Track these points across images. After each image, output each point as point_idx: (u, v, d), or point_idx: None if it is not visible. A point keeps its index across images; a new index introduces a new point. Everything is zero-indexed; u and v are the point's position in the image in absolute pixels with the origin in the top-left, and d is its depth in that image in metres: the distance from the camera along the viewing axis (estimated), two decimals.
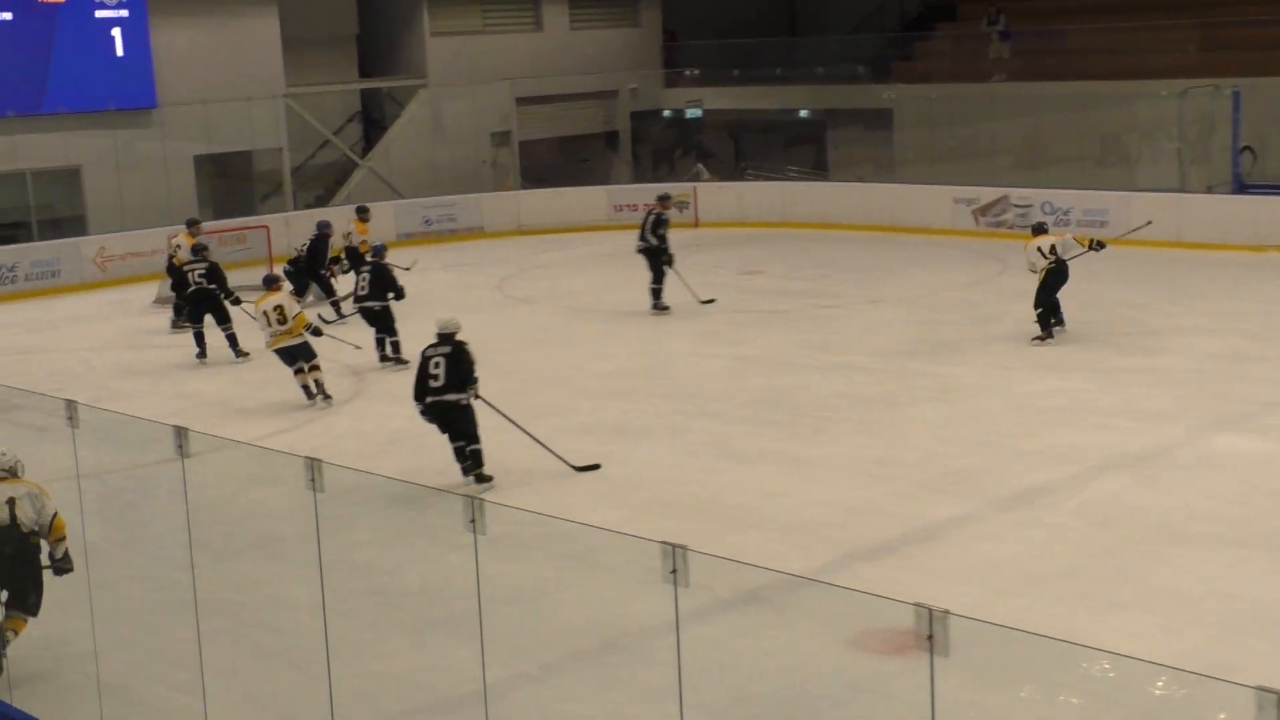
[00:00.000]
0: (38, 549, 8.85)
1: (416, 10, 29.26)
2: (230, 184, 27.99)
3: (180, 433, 7.64)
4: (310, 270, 20.13)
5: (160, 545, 10.46)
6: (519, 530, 8.93)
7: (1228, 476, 11.66)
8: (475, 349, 15.78)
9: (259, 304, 15.45)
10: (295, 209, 26.98)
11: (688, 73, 33.02)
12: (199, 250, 18.25)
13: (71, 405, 8.20)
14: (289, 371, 16.72)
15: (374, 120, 30.34)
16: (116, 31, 25.05)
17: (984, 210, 24.86)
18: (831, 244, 24.72)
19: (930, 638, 4.94)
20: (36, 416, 11.23)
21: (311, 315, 17.19)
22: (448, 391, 12.24)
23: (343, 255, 20.41)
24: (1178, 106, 24.66)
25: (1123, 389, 14.43)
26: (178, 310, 19.22)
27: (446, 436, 12.37)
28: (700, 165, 30.47)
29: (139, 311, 21.21)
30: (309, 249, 20.11)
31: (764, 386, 15.27)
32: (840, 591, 7.31)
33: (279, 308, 15.23)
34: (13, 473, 8.93)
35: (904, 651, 5.22)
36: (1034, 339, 16.46)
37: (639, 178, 31.47)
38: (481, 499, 6.85)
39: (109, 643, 8.68)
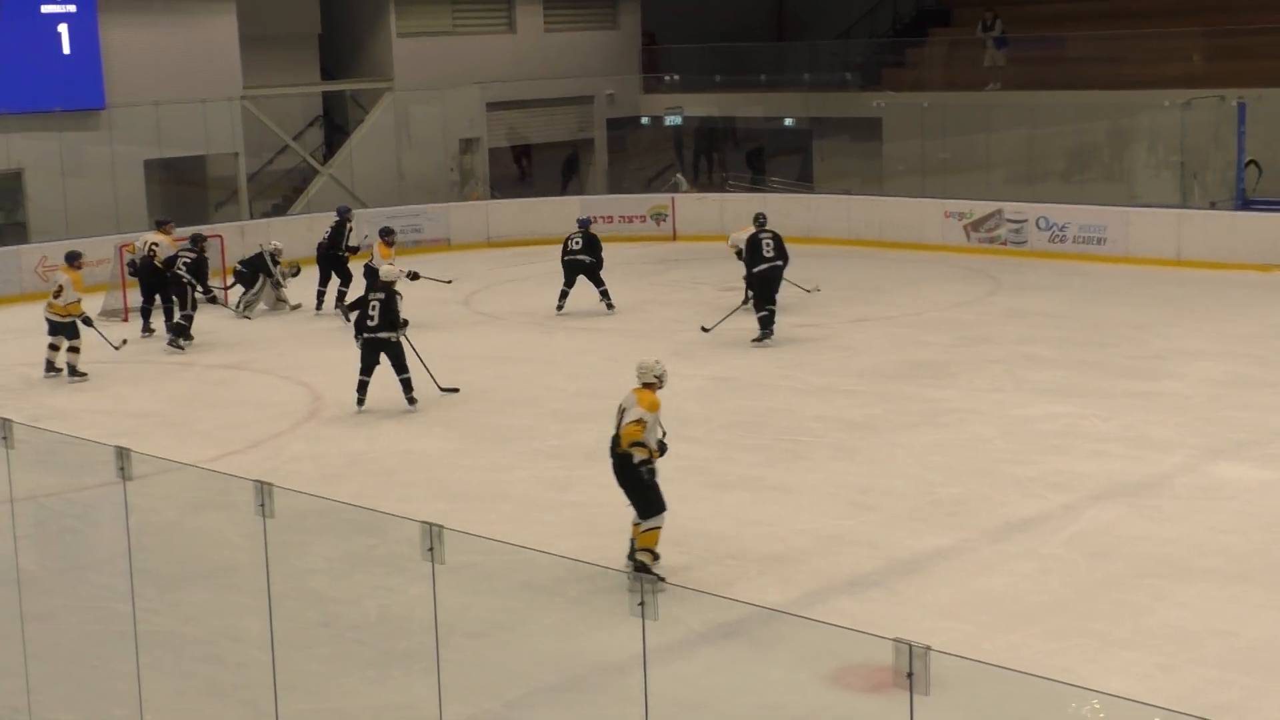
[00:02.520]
0: (629, 457, 10.31)
1: (382, 9, 29.29)
2: (182, 190, 27.91)
3: (122, 454, 7.62)
4: (330, 256, 21.39)
5: (100, 574, 10.41)
6: (482, 560, 8.92)
7: (1229, 507, 11.73)
8: (440, 366, 15.90)
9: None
10: (251, 218, 26.94)
11: (668, 78, 33.11)
12: (198, 240, 20.23)
13: (6, 424, 8.17)
14: (239, 392, 16.87)
15: (336, 125, 30.34)
16: (63, 28, 24.99)
17: (976, 225, 24.97)
18: (815, 260, 24.71)
19: (910, 675, 4.95)
20: None
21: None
22: (380, 330, 15.18)
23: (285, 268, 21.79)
24: (1181, 118, 24.83)
25: (1121, 414, 14.50)
26: (169, 314, 20.11)
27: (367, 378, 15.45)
28: (679, 175, 30.55)
29: (82, 325, 21.09)
30: (331, 234, 21.50)
31: (741, 409, 15.29)
32: (819, 626, 7.32)
33: (60, 286, 17.61)
34: (653, 384, 10.57)
35: (883, 689, 5.23)
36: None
37: (614, 188, 31.52)
38: (441, 527, 6.84)
39: (43, 678, 8.63)
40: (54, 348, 17.63)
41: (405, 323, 15.66)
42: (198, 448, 14.11)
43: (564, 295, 20.95)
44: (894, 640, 4.98)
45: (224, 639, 9.65)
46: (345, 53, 29.95)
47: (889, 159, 28.92)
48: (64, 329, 17.56)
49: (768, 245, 18.29)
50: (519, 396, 16.12)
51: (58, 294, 17.62)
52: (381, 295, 15.51)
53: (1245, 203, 23.59)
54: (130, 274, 20.94)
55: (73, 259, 18.07)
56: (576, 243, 20.93)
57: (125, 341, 18.57)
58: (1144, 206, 24.26)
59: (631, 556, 10.50)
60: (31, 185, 25.07)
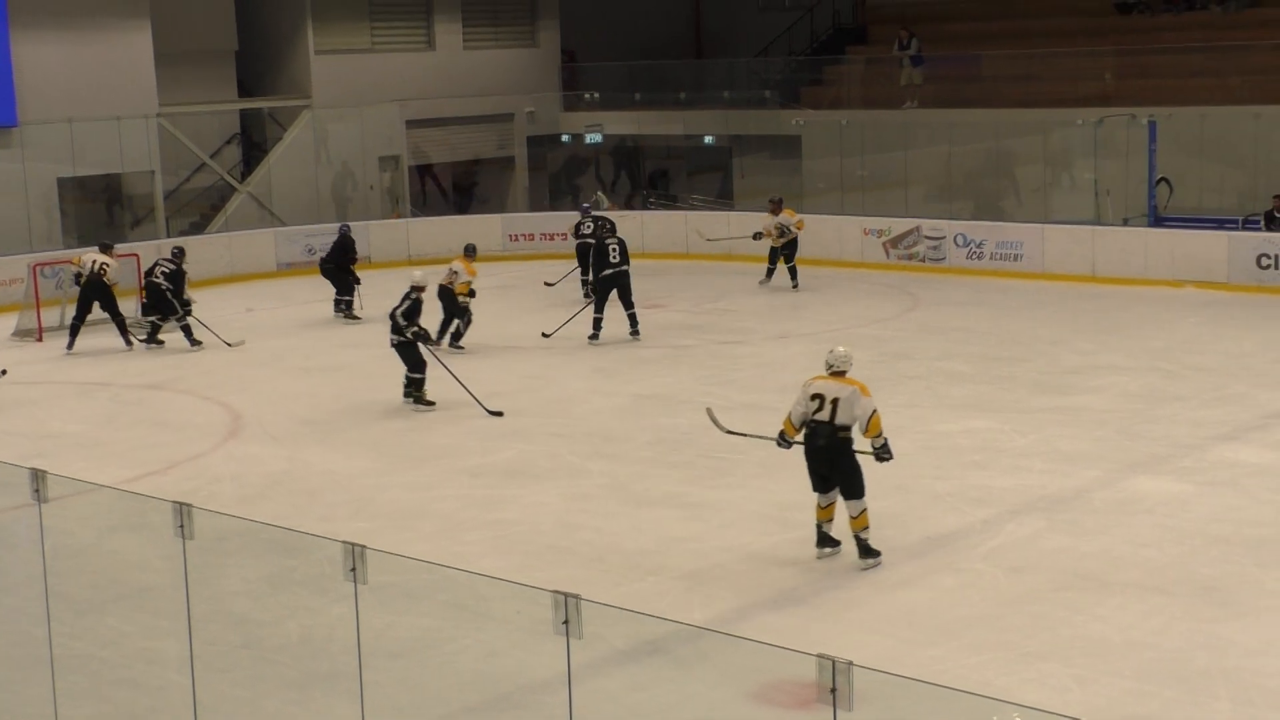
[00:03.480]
0: (850, 441, 10.77)
1: (300, 26, 29.12)
2: (97, 209, 27.59)
3: (37, 475, 7.52)
4: (332, 270, 22.17)
5: (14, 597, 10.22)
6: (404, 579, 8.86)
7: (1145, 520, 11.88)
8: (360, 385, 15.88)
9: None
10: (168, 236, 26.62)
11: (587, 96, 33.15)
12: (178, 253, 20.74)
13: None
14: (158, 412, 16.71)
15: (254, 142, 30.08)
16: None
17: (895, 242, 25.19)
18: (737, 276, 24.89)
19: (834, 690, 4.98)
20: None
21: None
22: (391, 332, 16.12)
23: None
24: (1094, 135, 25.20)
25: (1037, 429, 14.67)
26: (121, 327, 20.38)
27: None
28: (599, 193, 30.58)
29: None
30: (333, 249, 22.24)
31: (664, 426, 15.31)
32: (742, 643, 7.34)
33: None
34: (845, 371, 10.88)
35: (808, 705, 5.25)
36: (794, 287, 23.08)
37: (535, 205, 31.51)
38: (363, 547, 6.80)
39: None
40: None
41: (408, 326, 16.01)
42: (115, 469, 13.93)
43: (586, 284, 22.04)
44: (817, 656, 5.00)
45: (142, 662, 9.53)
46: (263, 70, 29.73)
47: (809, 176, 29.11)
48: None
49: (614, 251, 19.45)
50: (439, 415, 16.05)
51: None
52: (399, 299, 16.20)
53: (1157, 219, 23.99)
54: (75, 283, 20.67)
55: None
56: (587, 226, 22.27)
57: (4, 372, 18.09)
58: (1059, 223, 24.58)
59: (821, 545, 11.12)
60: None
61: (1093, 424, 14.82)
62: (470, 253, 19.90)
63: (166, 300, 20.11)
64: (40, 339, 20.86)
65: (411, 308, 16.12)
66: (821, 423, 10.79)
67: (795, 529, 11.92)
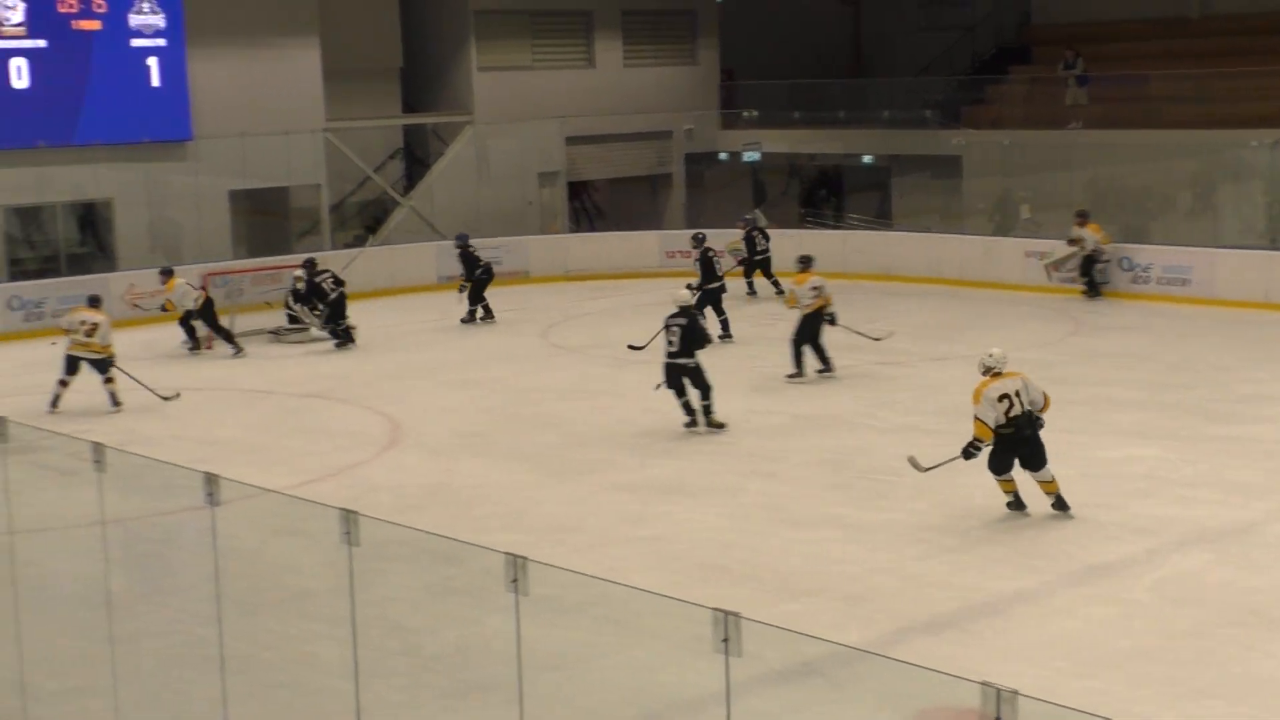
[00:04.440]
0: (1039, 421, 12.23)
1: (464, 44, 29.58)
2: (266, 221, 28.28)
3: (210, 479, 7.70)
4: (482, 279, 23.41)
5: (185, 598, 10.52)
6: (561, 592, 8.91)
7: None
8: (516, 398, 16.00)
9: (73, 312, 18.30)
10: (332, 248, 27.23)
11: (746, 114, 33.17)
12: (310, 264, 22.41)
13: (98, 448, 8.28)
14: (320, 421, 17.04)
15: (417, 157, 30.62)
16: (152, 61, 25.42)
17: (1058, 265, 24.73)
18: (895, 297, 24.70)
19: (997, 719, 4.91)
20: (61, 459, 11.33)
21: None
22: (680, 356, 15.46)
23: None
24: (1269, 158, 24.52)
25: (1206, 459, 14.30)
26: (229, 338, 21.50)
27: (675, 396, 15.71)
28: (757, 211, 30.53)
29: (168, 352, 21.43)
30: (466, 262, 23.40)
31: (822, 447, 15.24)
32: (901, 666, 7.25)
33: (95, 325, 17.70)
34: (1002, 370, 12.24)
35: None
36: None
37: (692, 223, 31.57)
38: (525, 558, 6.86)
39: (129, 699, 8.72)
40: (65, 384, 17.67)
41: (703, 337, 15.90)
42: (278, 475, 14.21)
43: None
44: (981, 684, 4.93)
45: (303, 666, 9.71)
46: (426, 86, 30.24)
47: (969, 197, 28.77)
48: (98, 365, 17.75)
49: (719, 265, 21.53)
50: (594, 430, 16.14)
51: (91, 333, 17.68)
52: (683, 321, 15.61)
53: None
54: (195, 307, 21.33)
55: (96, 301, 18.62)
56: (762, 241, 24.53)
57: (178, 395, 18.26)
58: (1231, 248, 23.94)
59: (1020, 508, 12.47)
60: (120, 215, 25.48)
61: (1265, 455, 14.41)
62: (806, 263, 19.38)
63: (343, 305, 21.47)
64: (210, 346, 21.41)
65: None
66: (1019, 415, 12.09)
67: (950, 552, 11.78)
